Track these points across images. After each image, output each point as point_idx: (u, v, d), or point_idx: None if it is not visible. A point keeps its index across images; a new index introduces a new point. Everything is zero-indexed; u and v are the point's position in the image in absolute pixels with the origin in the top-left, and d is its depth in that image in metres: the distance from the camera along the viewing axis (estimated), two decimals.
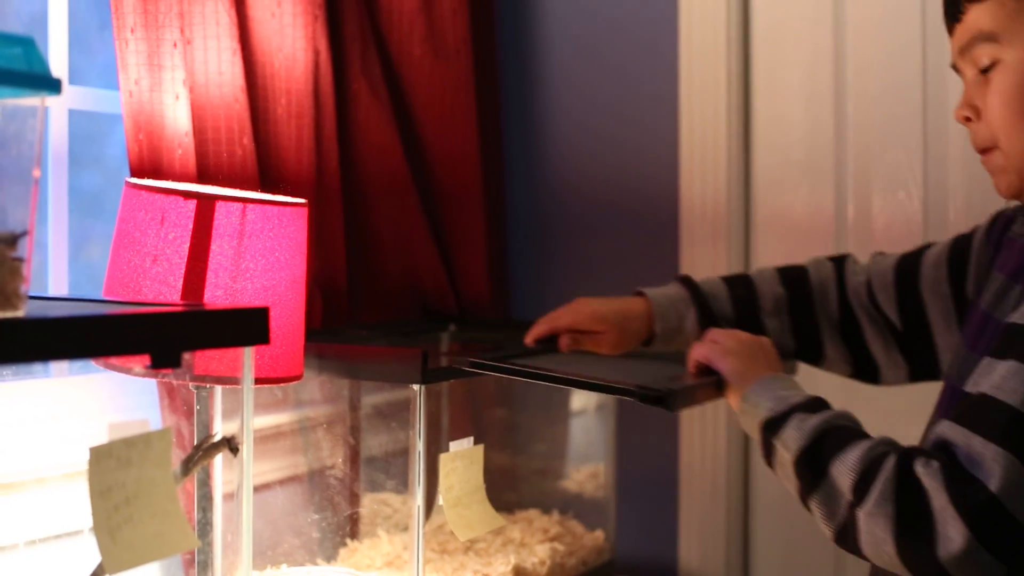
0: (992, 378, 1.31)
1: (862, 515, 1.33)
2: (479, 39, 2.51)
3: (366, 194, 2.25)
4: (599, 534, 2.26)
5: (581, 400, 2.48)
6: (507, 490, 1.96)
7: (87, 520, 1.58)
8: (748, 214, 2.54)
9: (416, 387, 1.76)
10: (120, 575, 1.23)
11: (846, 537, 1.36)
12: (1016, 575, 1.27)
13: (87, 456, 1.22)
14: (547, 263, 2.68)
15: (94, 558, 1.46)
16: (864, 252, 2.41)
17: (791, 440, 1.44)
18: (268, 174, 2.00)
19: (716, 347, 1.62)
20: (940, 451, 1.32)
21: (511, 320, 2.60)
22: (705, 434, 2.51)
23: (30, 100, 1.23)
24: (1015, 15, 1.46)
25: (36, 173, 1.25)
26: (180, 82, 1.82)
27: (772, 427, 1.47)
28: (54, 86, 1.21)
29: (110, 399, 1.89)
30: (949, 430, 1.32)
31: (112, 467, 1.24)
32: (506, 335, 2.42)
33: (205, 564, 1.73)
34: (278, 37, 2.02)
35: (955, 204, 2.34)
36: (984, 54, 1.48)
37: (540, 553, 2.06)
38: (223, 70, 1.90)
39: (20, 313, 1.17)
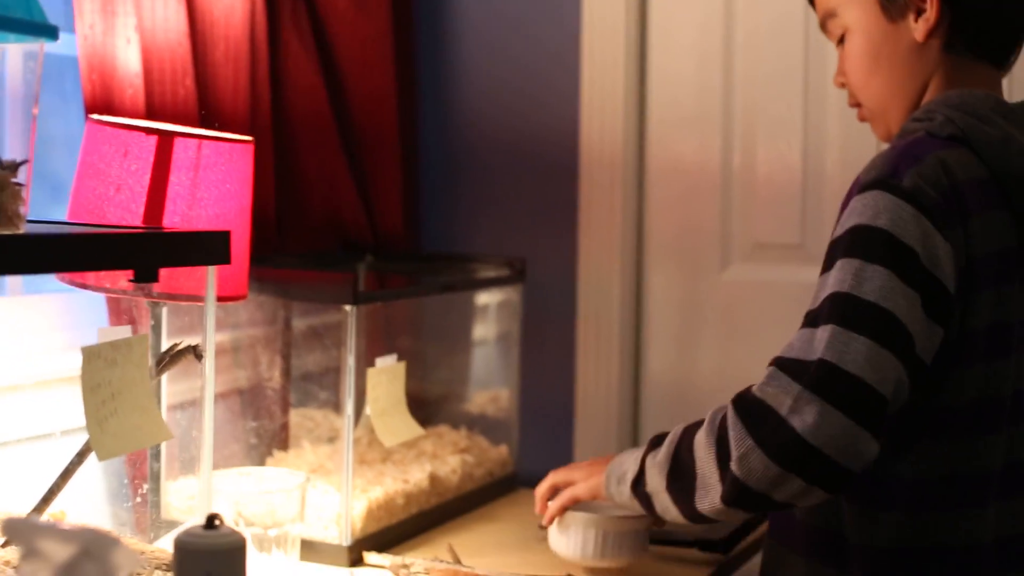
0: (825, 288, 1.46)
1: (735, 466, 1.42)
2: None
3: (293, 134, 2.41)
4: (503, 449, 2.46)
5: (485, 330, 2.69)
6: (419, 408, 2.15)
7: (57, 424, 1.76)
8: (642, 161, 2.73)
9: (348, 308, 1.95)
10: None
11: (738, 496, 1.44)
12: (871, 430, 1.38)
13: (80, 356, 1.40)
14: (456, 201, 2.86)
15: (63, 459, 1.63)
16: (749, 197, 2.64)
17: (654, 479, 1.58)
18: (207, 113, 2.15)
19: (564, 493, 1.83)
20: (775, 359, 1.46)
21: (422, 253, 2.80)
22: (599, 362, 2.72)
23: (30, 45, 1.39)
24: None
25: (35, 110, 1.41)
26: (132, 27, 1.97)
27: (638, 484, 1.62)
28: (52, 32, 1.37)
29: (58, 316, 2.04)
30: (793, 336, 1.47)
31: (100, 366, 1.41)
32: (416, 266, 2.63)
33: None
34: None
35: (831, 154, 2.55)
36: (834, 27, 1.70)
37: (452, 463, 2.27)
38: (169, 16, 2.05)
39: (21, 231, 1.34)
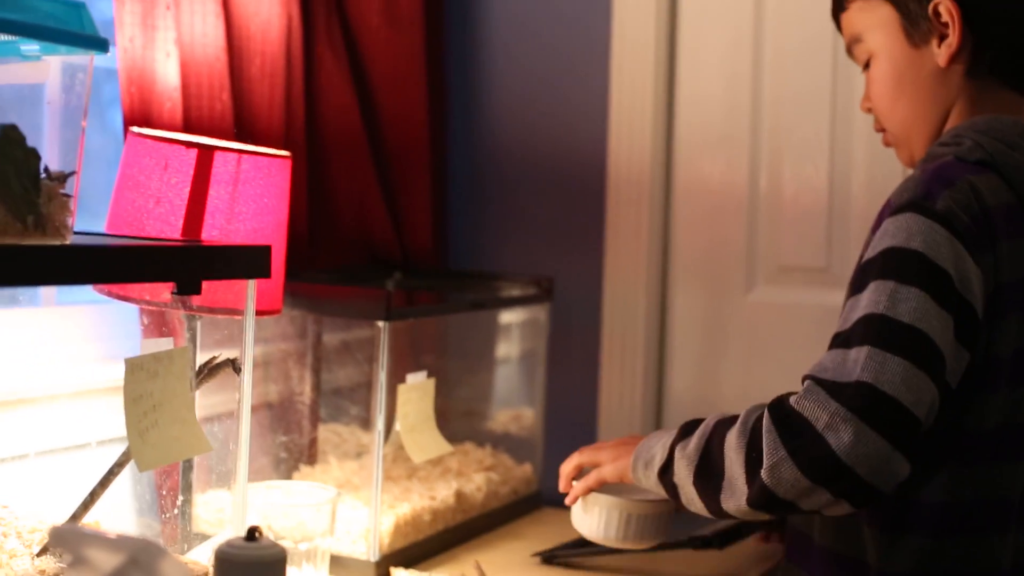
0: (858, 309, 1.47)
1: (765, 474, 1.43)
2: (431, 12, 2.69)
3: (326, 150, 2.42)
4: (528, 467, 2.47)
5: (510, 348, 2.70)
6: (444, 425, 2.16)
7: (93, 434, 1.77)
8: (669, 181, 2.74)
9: (381, 324, 1.96)
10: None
11: (765, 502, 1.45)
12: (902, 451, 1.39)
13: (123, 367, 1.41)
14: (483, 218, 2.87)
15: (99, 469, 1.64)
16: (775, 220, 2.64)
17: (681, 471, 1.58)
18: (242, 128, 2.17)
19: (591, 474, 1.82)
20: (810, 376, 1.46)
21: (449, 270, 2.80)
22: (623, 382, 2.72)
23: (81, 57, 1.41)
24: (868, 15, 1.69)
25: (83, 123, 1.43)
26: (171, 41, 1.99)
27: (665, 472, 1.62)
28: (103, 45, 1.38)
29: (91, 326, 2.05)
30: (823, 356, 1.47)
31: (143, 378, 1.42)
32: (444, 283, 2.64)
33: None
34: (255, 3, 2.19)
35: (858, 177, 2.55)
36: (860, 53, 1.72)
37: (477, 480, 2.27)
38: (207, 31, 2.07)
39: (67, 242, 1.35)
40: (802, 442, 1.41)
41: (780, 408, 1.46)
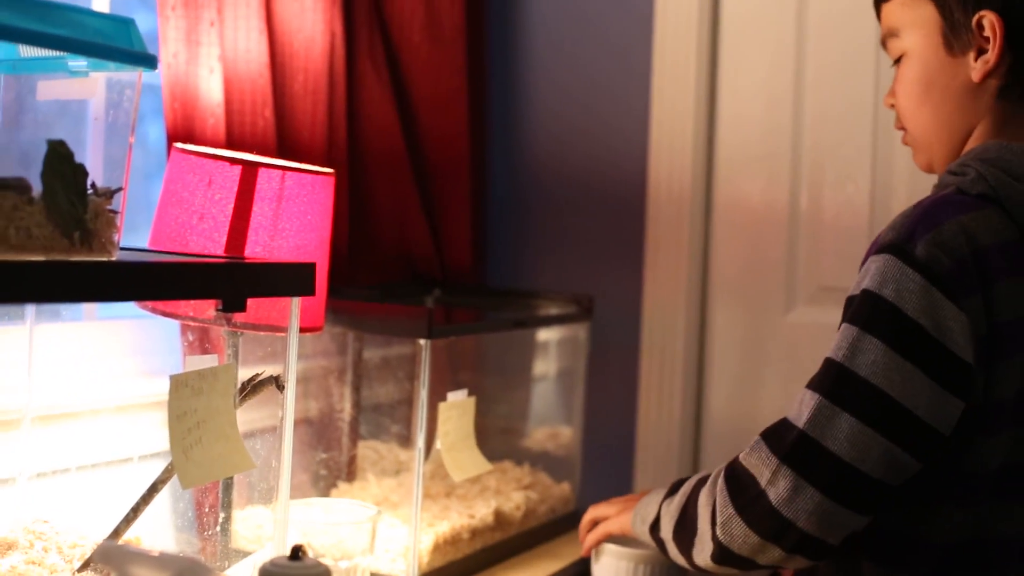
0: (832, 345, 1.49)
1: (719, 531, 1.50)
2: (472, 28, 2.69)
3: (367, 167, 2.43)
4: (566, 486, 2.46)
5: (549, 366, 2.69)
6: (482, 443, 2.15)
7: (134, 448, 1.77)
8: (709, 200, 2.73)
9: (423, 342, 1.96)
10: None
11: (725, 556, 1.52)
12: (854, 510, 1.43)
13: (167, 384, 1.41)
14: (523, 237, 2.87)
15: (141, 484, 1.64)
16: (815, 239, 2.63)
17: (666, 526, 1.65)
18: (285, 144, 2.17)
19: (599, 527, 1.93)
20: (774, 424, 1.51)
21: (488, 287, 2.80)
22: (661, 401, 2.72)
23: (128, 73, 1.41)
24: (910, 12, 1.64)
25: (131, 139, 1.43)
26: (215, 57, 2.00)
27: (655, 528, 1.69)
28: (151, 62, 1.38)
29: (133, 341, 2.06)
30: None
31: (187, 395, 1.42)
32: (484, 301, 2.63)
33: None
34: (299, 19, 2.19)
35: (899, 197, 2.53)
36: (894, 48, 1.67)
37: (516, 499, 2.27)
38: (250, 48, 2.08)
39: (113, 258, 1.35)
40: (747, 498, 1.48)
41: (732, 467, 1.52)
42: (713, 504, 1.52)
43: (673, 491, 1.69)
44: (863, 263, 1.53)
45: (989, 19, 1.56)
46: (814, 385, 1.47)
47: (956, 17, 1.59)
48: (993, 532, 1.48)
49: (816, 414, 1.44)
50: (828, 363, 1.47)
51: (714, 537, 1.51)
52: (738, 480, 1.49)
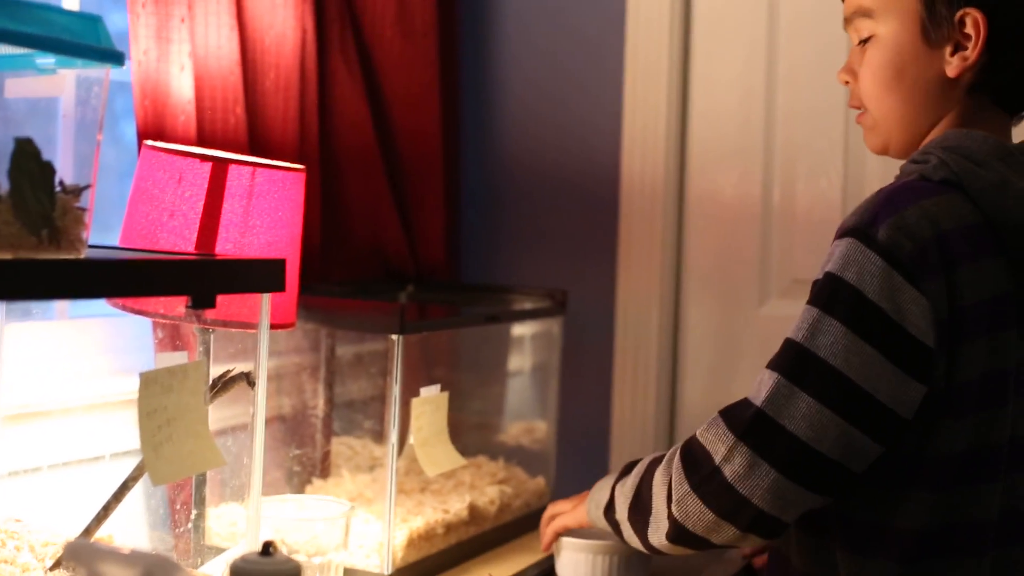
0: (792, 326, 1.50)
1: (675, 508, 1.50)
2: (444, 24, 2.69)
3: (339, 164, 2.43)
4: (540, 481, 2.46)
5: (523, 361, 2.69)
6: (457, 439, 2.15)
7: (106, 447, 1.77)
8: (682, 195, 2.74)
9: (395, 337, 1.96)
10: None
11: (680, 535, 1.52)
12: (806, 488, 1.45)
13: (137, 381, 1.41)
14: (496, 232, 2.87)
15: (112, 482, 1.64)
16: (788, 233, 2.64)
17: (620, 508, 1.65)
18: (256, 141, 2.17)
19: (555, 521, 1.93)
20: (733, 403, 1.52)
21: (462, 283, 2.80)
22: (636, 395, 2.72)
23: (96, 70, 1.40)
24: None
25: (99, 136, 1.42)
26: (186, 54, 1.99)
27: (608, 511, 1.68)
28: (118, 59, 1.38)
29: (104, 339, 2.05)
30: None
31: (157, 392, 1.42)
32: (457, 296, 2.64)
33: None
34: (269, 16, 2.19)
35: (871, 191, 2.51)
36: (863, 27, 1.64)
37: (490, 494, 2.27)
38: (221, 44, 2.07)
39: (82, 256, 1.35)
40: (702, 476, 1.48)
41: (688, 444, 1.53)
42: (669, 482, 1.53)
43: (626, 472, 1.68)
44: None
45: (973, 17, 1.56)
46: (773, 365, 1.48)
47: (938, 9, 1.58)
48: (962, 516, 1.49)
49: (774, 393, 1.45)
50: (788, 343, 1.48)
51: (670, 516, 1.52)
52: (694, 456, 1.50)
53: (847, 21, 1.68)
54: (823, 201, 2.61)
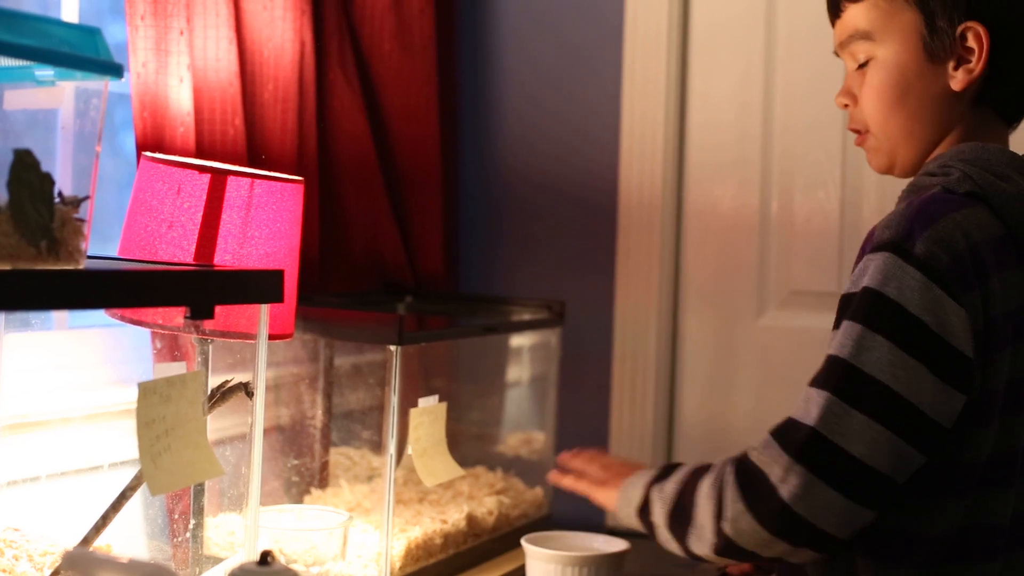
0: (830, 346, 1.49)
1: (727, 526, 1.49)
2: (443, 38, 2.70)
3: (338, 175, 2.43)
4: (538, 491, 2.47)
5: (521, 372, 2.70)
6: (455, 449, 2.16)
7: (105, 457, 1.77)
8: (680, 206, 2.75)
9: (393, 348, 1.96)
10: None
11: (729, 549, 1.51)
12: (861, 505, 1.44)
13: (136, 391, 1.42)
14: (494, 244, 2.88)
15: (111, 492, 1.65)
16: (786, 244, 2.65)
17: (657, 513, 1.62)
18: (255, 153, 2.18)
19: (582, 484, 1.83)
20: (782, 422, 1.50)
21: (460, 295, 2.81)
22: (634, 406, 2.73)
23: (95, 82, 1.41)
24: (888, 16, 1.61)
25: (97, 147, 1.43)
26: (185, 66, 2.00)
27: (643, 512, 1.65)
28: (117, 71, 1.38)
29: (103, 350, 2.06)
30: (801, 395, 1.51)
31: (156, 402, 1.43)
32: (456, 307, 2.64)
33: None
34: (269, 28, 2.20)
35: (869, 203, 2.56)
36: (860, 50, 1.64)
37: (489, 504, 2.27)
38: (220, 57, 2.08)
39: (81, 266, 1.36)
40: (758, 495, 1.47)
41: (742, 463, 1.51)
42: (719, 498, 1.52)
43: (663, 476, 1.65)
44: (857, 261, 1.54)
45: (975, 30, 1.57)
46: (820, 383, 1.47)
47: (939, 25, 1.59)
48: (981, 520, 1.51)
49: (826, 412, 1.44)
50: (833, 361, 1.47)
51: (719, 531, 1.51)
52: (749, 476, 1.49)
53: (841, 46, 1.68)
54: (820, 212, 2.62)
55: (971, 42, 1.58)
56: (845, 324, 1.47)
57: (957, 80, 1.59)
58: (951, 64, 1.59)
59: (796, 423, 1.47)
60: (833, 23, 1.71)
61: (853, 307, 1.48)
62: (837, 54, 1.72)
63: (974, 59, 1.58)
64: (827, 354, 1.49)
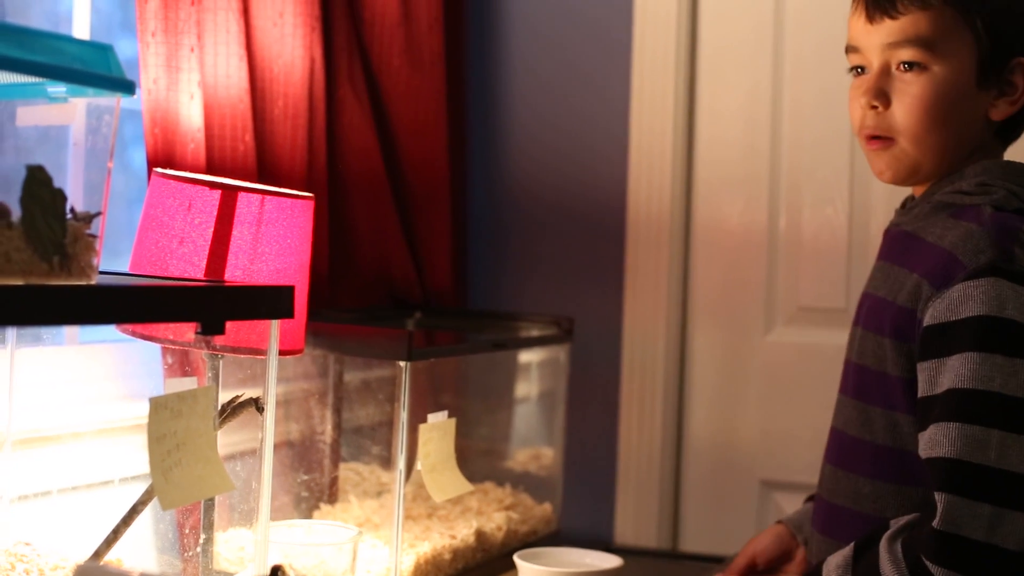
0: (960, 379, 1.50)
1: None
2: (452, 54, 2.71)
3: (347, 192, 2.44)
4: (547, 507, 2.47)
5: (530, 388, 2.70)
6: (464, 465, 2.16)
7: (116, 471, 1.78)
8: (688, 222, 2.76)
9: (402, 363, 1.97)
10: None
11: None
12: None
13: (147, 406, 1.42)
14: (503, 260, 2.89)
15: (122, 506, 1.65)
16: (794, 260, 2.65)
17: None
18: (265, 169, 2.19)
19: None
20: (940, 485, 1.49)
21: (469, 311, 2.82)
22: (642, 421, 2.73)
23: (107, 99, 1.42)
24: (952, 32, 1.63)
25: (109, 164, 1.44)
26: (195, 83, 2.01)
27: None
28: (129, 87, 1.40)
29: (114, 365, 2.06)
30: (936, 433, 1.51)
31: (167, 417, 1.43)
32: (464, 323, 2.65)
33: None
34: (279, 45, 2.21)
35: (877, 219, 2.56)
36: (916, 55, 1.63)
37: (497, 520, 2.28)
38: (230, 73, 2.09)
39: (92, 282, 1.36)
40: (979, 562, 1.45)
41: (936, 544, 1.47)
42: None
43: (859, 556, 1.59)
44: (887, 260, 1.64)
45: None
46: (975, 418, 1.48)
47: (993, 55, 1.64)
48: None
49: (1001, 446, 1.46)
50: (980, 395, 1.49)
51: None
52: (954, 551, 1.47)
53: (890, 46, 1.65)
54: (829, 229, 2.62)
55: (1016, 76, 1.64)
56: (973, 356, 1.49)
57: (999, 110, 1.65)
58: (993, 92, 1.64)
59: (969, 465, 1.47)
60: (876, 20, 1.66)
61: (975, 337, 1.50)
62: (851, 50, 1.71)
63: (1018, 93, 1.64)
64: (954, 388, 1.50)
